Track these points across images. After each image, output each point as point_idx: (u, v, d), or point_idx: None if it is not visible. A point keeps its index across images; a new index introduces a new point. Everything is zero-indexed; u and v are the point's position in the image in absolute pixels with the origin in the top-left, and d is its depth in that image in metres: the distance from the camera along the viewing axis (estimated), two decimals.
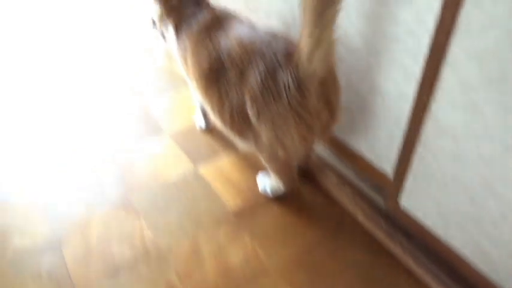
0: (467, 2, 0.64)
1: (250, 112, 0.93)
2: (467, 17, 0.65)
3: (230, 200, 1.14)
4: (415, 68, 0.81)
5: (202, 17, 1.10)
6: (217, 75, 0.98)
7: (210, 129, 1.38)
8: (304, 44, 0.79)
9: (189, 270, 0.97)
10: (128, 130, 1.41)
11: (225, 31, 1.01)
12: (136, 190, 1.18)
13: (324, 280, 0.95)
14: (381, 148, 1.01)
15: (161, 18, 1.17)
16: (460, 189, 0.80)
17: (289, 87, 0.84)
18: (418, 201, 0.93)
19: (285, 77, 0.85)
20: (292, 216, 1.10)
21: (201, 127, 1.40)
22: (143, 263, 0.99)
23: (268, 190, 1.14)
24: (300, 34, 0.80)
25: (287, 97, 0.85)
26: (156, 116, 1.46)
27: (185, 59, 1.12)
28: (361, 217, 1.06)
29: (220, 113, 1.03)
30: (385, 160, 1.01)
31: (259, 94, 0.89)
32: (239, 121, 0.98)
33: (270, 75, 0.87)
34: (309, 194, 1.14)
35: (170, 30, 1.17)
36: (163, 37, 1.25)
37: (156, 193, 1.17)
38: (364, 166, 1.09)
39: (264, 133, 0.94)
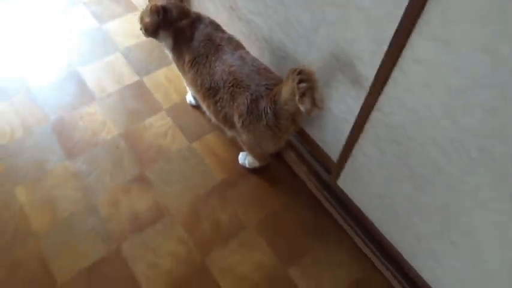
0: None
1: (237, 124, 1.28)
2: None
3: (218, 171, 1.54)
4: (361, 93, 1.17)
5: (201, 36, 1.34)
6: (214, 93, 1.30)
7: (198, 105, 1.70)
8: (284, 91, 1.12)
9: (191, 227, 1.41)
10: (134, 109, 1.70)
11: (221, 58, 1.28)
12: (148, 165, 1.54)
13: (284, 232, 1.41)
14: (329, 140, 1.40)
15: (156, 30, 1.39)
16: (377, 182, 1.23)
17: (267, 114, 1.19)
18: (349, 183, 1.37)
19: (265, 106, 1.18)
20: (264, 185, 1.52)
21: (191, 103, 1.71)
22: (159, 222, 1.41)
23: (246, 164, 1.53)
24: (284, 81, 1.12)
25: (266, 120, 1.20)
26: (153, 94, 1.75)
27: (183, 69, 1.40)
28: (312, 188, 1.51)
29: (215, 115, 1.36)
30: (332, 149, 1.41)
31: (245, 114, 1.23)
32: (229, 123, 1.33)
33: (254, 102, 1.20)
34: (276, 168, 1.56)
35: (168, 42, 1.41)
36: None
37: (161, 167, 1.53)
38: (317, 150, 1.49)
39: (246, 137, 1.31)
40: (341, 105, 1.22)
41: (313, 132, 1.46)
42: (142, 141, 1.60)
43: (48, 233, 1.37)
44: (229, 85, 1.25)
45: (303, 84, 1.02)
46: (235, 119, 1.27)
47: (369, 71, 1.03)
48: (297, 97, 1.04)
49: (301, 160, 1.54)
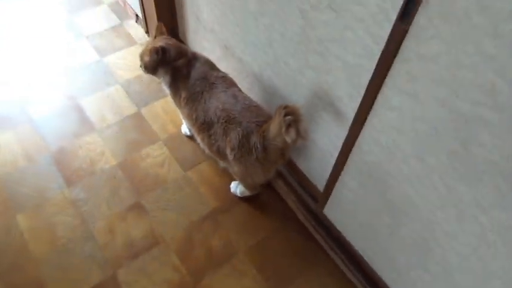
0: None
1: (229, 156, 1.37)
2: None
3: (211, 199, 1.62)
4: (342, 131, 1.26)
5: (197, 74, 1.44)
6: (208, 127, 1.39)
7: (193, 135, 1.79)
8: (272, 127, 1.21)
9: (185, 254, 1.47)
10: (132, 140, 1.79)
11: (215, 96, 1.38)
12: (144, 194, 1.61)
13: (274, 258, 1.48)
14: (315, 171, 1.49)
15: (155, 68, 1.50)
16: (360, 213, 1.32)
17: (257, 148, 1.28)
18: (335, 213, 1.45)
19: (256, 141, 1.28)
20: (254, 212, 1.60)
21: (186, 133, 1.81)
22: (154, 249, 1.47)
23: (238, 193, 1.61)
24: (272, 118, 1.22)
25: (255, 154, 1.29)
26: (151, 125, 1.84)
27: (179, 104, 1.50)
28: (300, 216, 1.59)
29: (208, 147, 1.45)
30: (318, 180, 1.50)
31: (237, 148, 1.32)
32: (222, 155, 1.42)
33: (245, 137, 1.30)
34: (267, 196, 1.63)
35: (165, 79, 1.51)
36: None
37: (158, 195, 1.61)
38: (305, 180, 1.57)
39: (238, 169, 1.40)
40: (325, 139, 1.32)
41: (301, 163, 1.56)
42: (139, 171, 1.68)
43: (46, 259, 1.43)
44: (223, 121, 1.35)
45: (289, 117, 1.11)
46: (228, 152, 1.36)
47: (349, 112, 1.13)
48: (283, 129, 1.13)
49: (289, 189, 1.62)
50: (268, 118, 1.31)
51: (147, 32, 2.20)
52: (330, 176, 1.35)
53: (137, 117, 1.87)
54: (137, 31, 2.24)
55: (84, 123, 1.82)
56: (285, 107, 1.12)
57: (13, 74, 1.98)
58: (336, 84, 1.13)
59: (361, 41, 0.97)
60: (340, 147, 1.22)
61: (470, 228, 0.91)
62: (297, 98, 1.36)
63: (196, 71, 1.46)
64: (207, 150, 1.50)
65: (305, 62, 1.22)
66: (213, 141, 1.41)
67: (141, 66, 1.53)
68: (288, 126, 1.12)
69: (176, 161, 1.72)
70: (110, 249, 1.46)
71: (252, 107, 1.35)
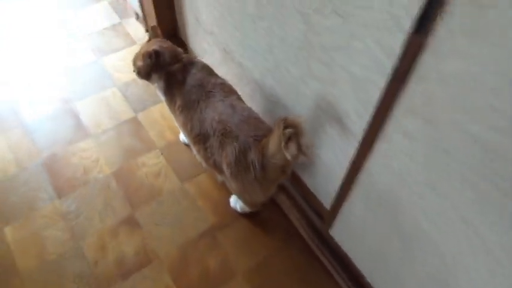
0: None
1: (226, 172, 1.26)
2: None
3: (209, 214, 1.51)
4: (350, 149, 1.14)
5: (193, 81, 1.33)
6: (204, 139, 1.28)
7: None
8: (271, 143, 1.09)
9: (179, 274, 1.37)
10: (128, 147, 1.69)
11: (211, 105, 1.26)
12: (138, 207, 1.52)
13: (274, 278, 1.37)
14: (321, 187, 1.37)
15: (148, 73, 1.39)
16: (369, 237, 1.20)
17: (255, 166, 1.16)
18: (342, 234, 1.33)
19: (254, 158, 1.16)
20: (255, 229, 1.49)
21: (184, 141, 1.70)
22: (147, 268, 1.38)
23: (238, 208, 1.50)
24: (272, 132, 1.10)
25: (253, 172, 1.17)
26: (148, 132, 1.74)
27: (175, 112, 1.39)
28: (303, 232, 1.47)
29: (205, 160, 1.34)
30: (325, 197, 1.38)
31: (233, 164, 1.21)
32: (219, 169, 1.31)
33: (242, 153, 1.18)
34: (268, 212, 1.52)
35: (160, 85, 1.41)
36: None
37: (152, 209, 1.52)
38: (310, 195, 1.46)
39: (235, 185, 1.29)
40: (330, 155, 1.20)
41: (306, 177, 1.44)
42: (134, 181, 1.59)
43: (33, 276, 1.35)
44: (219, 134, 1.23)
45: (289, 130, 0.99)
46: (224, 167, 1.25)
47: (356, 130, 1.00)
48: (282, 143, 1.01)
49: (293, 203, 1.51)
50: (268, 132, 1.19)
51: (147, 31, 2.10)
52: (337, 195, 1.23)
53: (134, 122, 1.77)
54: (137, 30, 2.14)
55: (79, 128, 1.74)
56: (285, 119, 1.00)
57: (6, 75, 1.90)
58: (342, 98, 1.01)
59: (370, 52, 0.84)
60: (347, 166, 1.09)
61: (485, 264, 0.78)
62: (301, 109, 1.23)
63: (192, 77, 1.35)
64: (203, 163, 1.39)
65: (308, 71, 1.09)
66: (209, 155, 1.30)
67: (134, 71, 1.43)
68: (288, 140, 0.99)
69: (173, 171, 1.62)
70: (100, 267, 1.38)
71: (250, 119, 1.24)
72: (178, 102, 1.36)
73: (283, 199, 1.53)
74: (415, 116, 0.78)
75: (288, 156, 1.00)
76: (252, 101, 1.51)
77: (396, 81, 0.77)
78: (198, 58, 1.45)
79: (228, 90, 1.34)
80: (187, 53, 1.95)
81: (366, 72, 0.88)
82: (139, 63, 1.38)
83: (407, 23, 0.70)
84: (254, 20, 1.24)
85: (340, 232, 1.33)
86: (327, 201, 1.36)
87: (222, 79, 1.38)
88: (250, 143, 1.18)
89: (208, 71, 1.40)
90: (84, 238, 1.44)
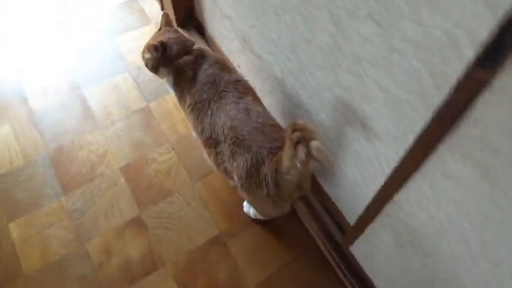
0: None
1: (237, 183, 1.13)
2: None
3: (221, 219, 1.41)
4: (379, 173, 1.00)
5: (204, 78, 1.19)
6: (215, 144, 1.15)
7: None
8: (285, 157, 0.96)
9: (186, 283, 1.30)
10: (138, 140, 1.59)
11: (224, 108, 1.12)
12: (146, 207, 1.43)
13: None
14: (344, 202, 1.24)
15: (156, 67, 1.26)
16: (393, 266, 1.07)
17: (268, 183, 1.03)
18: (363, 255, 1.20)
19: (267, 173, 1.03)
20: (268, 237, 1.38)
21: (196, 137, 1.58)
22: (152, 275, 1.31)
23: (251, 214, 1.39)
24: (284, 148, 0.96)
25: (266, 189, 1.04)
26: (160, 124, 1.63)
27: (184, 109, 1.26)
28: (320, 244, 1.35)
29: (216, 165, 1.22)
30: (347, 211, 1.25)
31: (244, 177, 1.08)
32: (230, 176, 1.19)
33: (254, 167, 1.05)
34: (283, 220, 1.40)
35: (169, 80, 1.27)
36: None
37: (161, 210, 1.42)
38: (331, 206, 1.33)
39: (247, 197, 1.17)
40: (355, 172, 1.06)
41: (327, 186, 1.30)
42: (142, 179, 1.49)
43: (37, 276, 1.30)
44: (230, 142, 1.10)
45: (296, 133, 0.85)
46: (235, 178, 1.13)
47: (390, 154, 0.85)
48: (291, 150, 0.87)
49: (311, 212, 1.38)
50: (284, 143, 1.05)
51: (162, 9, 1.94)
52: (362, 215, 1.09)
53: (145, 113, 1.66)
54: (152, 7, 1.98)
55: (87, 117, 1.64)
56: (293, 124, 0.86)
57: (12, 60, 1.80)
58: (375, 118, 0.85)
59: (415, 75, 0.67)
60: (374, 191, 0.95)
61: None
62: (325, 117, 1.08)
63: (204, 73, 1.21)
64: (214, 168, 1.27)
65: (335, 79, 0.93)
66: (220, 161, 1.18)
67: (145, 64, 1.30)
68: (296, 144, 0.85)
69: (184, 168, 1.52)
70: (104, 271, 1.31)
71: (265, 127, 1.09)
72: (188, 101, 1.22)
73: (301, 207, 1.40)
74: (467, 161, 0.62)
75: (297, 162, 0.86)
76: (272, 97, 1.37)
77: (446, 117, 0.61)
78: (210, 50, 1.30)
79: (243, 90, 1.19)
80: (204, 37, 1.80)
81: (408, 95, 0.72)
82: (147, 55, 1.24)
83: (469, 52, 0.53)
84: (277, 12, 1.07)
85: (363, 251, 1.21)
86: (350, 216, 1.23)
87: (237, 75, 1.23)
88: (263, 156, 1.04)
89: (221, 65, 1.24)
90: (89, 239, 1.37)
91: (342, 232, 1.30)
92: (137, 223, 1.40)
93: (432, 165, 0.70)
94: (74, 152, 1.55)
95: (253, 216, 1.39)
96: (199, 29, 1.81)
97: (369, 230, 1.08)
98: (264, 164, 1.04)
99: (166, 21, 1.31)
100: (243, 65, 1.52)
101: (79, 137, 1.59)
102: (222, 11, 1.47)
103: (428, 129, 0.66)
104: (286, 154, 0.92)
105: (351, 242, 1.23)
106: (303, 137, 0.83)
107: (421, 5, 0.60)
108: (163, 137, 1.59)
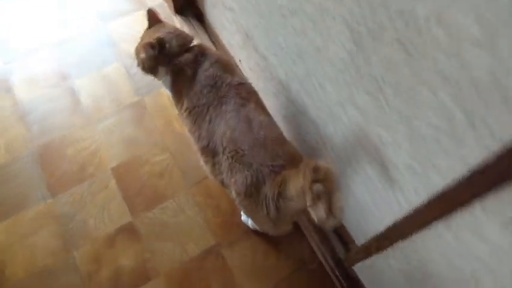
0: None
1: (235, 198, 1.05)
2: None
3: (217, 227, 1.33)
4: (394, 206, 0.91)
5: (204, 79, 1.08)
6: (212, 154, 1.05)
7: None
8: (292, 186, 0.86)
9: None
10: (130, 138, 1.49)
11: (223, 116, 1.02)
12: (138, 213, 1.35)
13: None
14: (352, 222, 1.15)
15: (154, 67, 1.14)
16: None
17: (269, 205, 0.94)
18: (366, 274, 1.14)
19: (268, 194, 0.94)
20: (267, 249, 1.31)
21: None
22: (144, 286, 1.24)
23: (250, 224, 1.31)
24: (294, 172, 0.86)
25: (266, 210, 0.95)
26: (154, 120, 1.52)
27: (181, 113, 1.15)
28: (322, 259, 1.28)
29: (213, 175, 1.13)
30: (355, 232, 1.17)
31: (243, 194, 0.99)
32: (228, 188, 1.10)
33: (254, 186, 0.96)
34: None
35: (166, 80, 1.16)
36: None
37: (154, 216, 1.34)
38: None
39: (244, 212, 1.09)
40: (366, 197, 0.97)
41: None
42: (135, 181, 1.40)
43: (22, 285, 1.23)
44: (229, 155, 1.01)
45: (319, 186, 0.76)
46: (233, 193, 1.04)
47: (407, 188, 0.76)
48: (309, 201, 0.79)
49: (314, 225, 1.30)
50: (288, 160, 0.96)
51: None
52: (370, 241, 1.01)
53: (138, 107, 1.55)
54: None
55: (76, 111, 1.53)
56: (315, 168, 0.77)
57: None
58: (394, 148, 0.75)
59: (447, 113, 0.58)
60: (389, 221, 0.86)
61: None
62: (333, 130, 0.99)
63: (204, 74, 1.10)
64: (210, 177, 1.17)
65: (349, 97, 0.83)
66: (217, 172, 1.08)
67: (138, 65, 1.19)
68: (316, 198, 0.76)
69: (179, 170, 1.43)
70: (93, 283, 1.24)
71: (268, 141, 0.99)
72: (186, 104, 1.12)
73: (303, 218, 1.32)
74: (509, 228, 0.53)
75: (314, 217, 0.77)
76: (275, 100, 1.26)
77: (486, 176, 0.52)
78: (211, 48, 1.18)
79: (245, 95, 1.08)
80: (204, 25, 1.67)
81: (435, 132, 0.62)
82: (143, 55, 1.12)
83: None
84: (284, 14, 0.95)
85: (368, 274, 1.14)
86: (357, 235, 1.15)
87: (239, 77, 1.11)
88: (265, 175, 0.95)
89: (222, 65, 1.12)
90: (78, 247, 1.29)
91: (346, 249, 1.23)
92: (129, 230, 1.32)
93: (461, 220, 0.61)
94: (63, 148, 1.46)
95: (251, 227, 1.31)
96: (199, 17, 1.67)
97: (378, 257, 1.01)
98: (264, 183, 0.95)
99: (151, 19, 1.19)
100: (244, 60, 1.40)
101: (68, 132, 1.49)
102: (224, 2, 1.34)
103: (461, 181, 0.57)
104: (294, 185, 0.83)
105: (355, 262, 1.16)
106: (325, 192, 0.73)
107: (464, 40, 0.49)
108: (157, 135, 1.49)
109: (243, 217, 1.33)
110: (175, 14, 1.70)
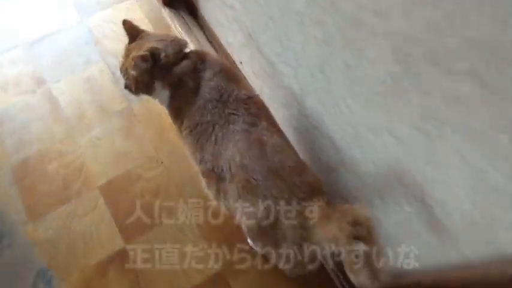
0: None
1: (245, 233, 0.92)
2: None
3: (221, 252, 1.20)
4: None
5: (208, 92, 0.92)
6: (216, 178, 0.91)
7: None
8: (321, 231, 0.73)
9: None
10: (119, 151, 1.33)
11: (231, 137, 0.87)
12: (132, 238, 1.20)
13: None
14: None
15: (148, 83, 0.98)
16: None
17: (288, 245, 0.82)
18: None
19: (287, 235, 0.81)
20: (278, 277, 1.17)
21: None
22: None
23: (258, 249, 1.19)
24: (323, 215, 0.73)
25: (286, 253, 0.83)
26: (145, 129, 1.37)
27: (180, 131, 1.00)
28: (338, 284, 1.17)
29: (216, 198, 0.99)
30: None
31: (256, 232, 0.87)
32: (233, 215, 0.97)
33: (269, 223, 0.83)
34: None
35: (163, 96, 1.00)
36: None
37: (149, 240, 1.19)
38: None
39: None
40: (396, 228, 0.85)
41: None
42: (127, 200, 1.25)
43: None
44: (239, 184, 0.87)
45: (361, 246, 0.64)
46: (243, 227, 0.92)
47: (462, 241, 0.64)
48: (347, 264, 0.67)
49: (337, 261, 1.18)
50: (309, 192, 0.83)
51: None
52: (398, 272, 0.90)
53: (127, 114, 1.39)
54: None
55: (56, 122, 1.36)
56: (354, 222, 0.64)
57: None
58: (443, 190, 0.63)
59: None
60: (433, 274, 0.74)
61: None
62: (360, 157, 0.86)
63: (207, 85, 0.94)
64: (212, 199, 1.03)
65: (387, 125, 0.70)
66: (223, 199, 0.95)
67: (126, 87, 1.03)
68: (358, 259, 0.64)
69: (176, 188, 1.28)
70: None
71: (285, 170, 0.85)
72: (187, 122, 0.96)
73: None
74: None
75: (353, 281, 0.65)
76: (285, 110, 1.12)
77: None
78: (211, 53, 1.03)
79: (255, 111, 0.93)
80: (197, 19, 1.49)
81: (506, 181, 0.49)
82: (133, 72, 0.95)
83: None
84: (303, 21, 0.80)
85: None
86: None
87: (247, 90, 0.96)
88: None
89: (226, 74, 0.97)
90: (65, 278, 1.15)
91: None
92: (122, 257, 1.18)
93: None
94: (43, 165, 1.29)
95: (259, 251, 1.18)
96: (191, 10, 1.50)
97: None
98: (282, 221, 0.81)
99: (130, 30, 1.02)
100: (246, 63, 1.25)
101: (48, 145, 1.32)
102: None
103: None
104: (325, 231, 0.71)
105: None
106: (368, 255, 0.60)
107: None
108: (150, 147, 1.34)
109: (250, 241, 1.19)
110: (164, 5, 1.52)
